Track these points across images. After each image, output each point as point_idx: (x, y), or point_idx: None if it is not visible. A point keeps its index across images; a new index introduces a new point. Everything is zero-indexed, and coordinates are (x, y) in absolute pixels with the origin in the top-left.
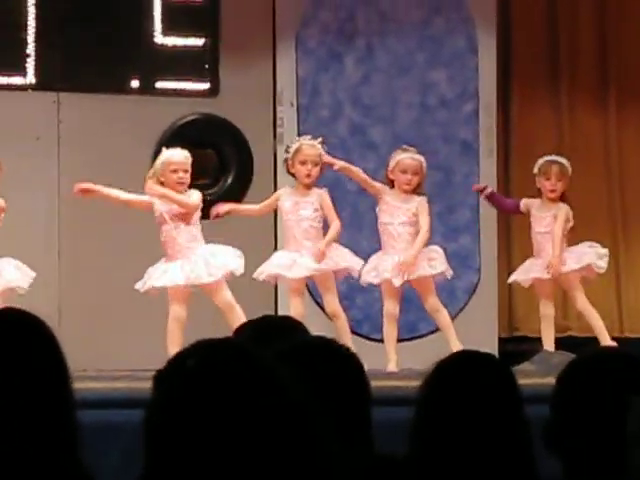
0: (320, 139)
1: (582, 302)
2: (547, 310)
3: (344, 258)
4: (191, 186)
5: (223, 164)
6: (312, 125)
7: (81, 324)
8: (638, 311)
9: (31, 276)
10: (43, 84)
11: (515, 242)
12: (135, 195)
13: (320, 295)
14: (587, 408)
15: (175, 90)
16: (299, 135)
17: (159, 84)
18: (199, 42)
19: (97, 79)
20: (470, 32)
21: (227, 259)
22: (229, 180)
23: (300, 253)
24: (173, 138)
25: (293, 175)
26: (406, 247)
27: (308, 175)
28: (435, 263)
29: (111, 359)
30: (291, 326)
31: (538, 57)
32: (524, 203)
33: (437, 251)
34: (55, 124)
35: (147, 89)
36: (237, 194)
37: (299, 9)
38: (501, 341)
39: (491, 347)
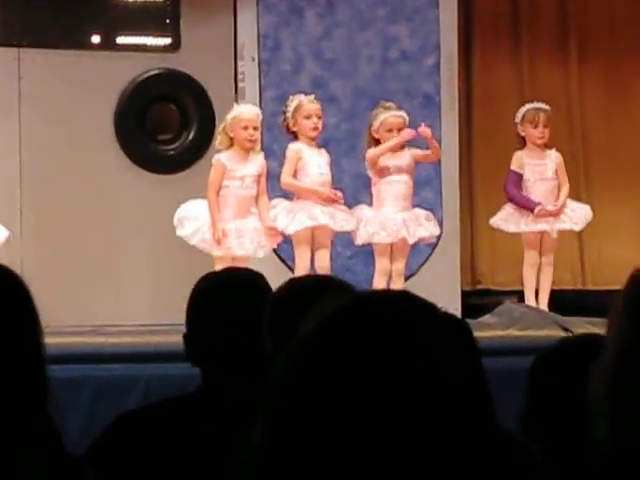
0: (313, 96)
1: (552, 258)
2: (535, 258)
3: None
4: (153, 141)
5: (185, 119)
6: (273, 80)
7: (43, 280)
8: (600, 264)
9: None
10: (3, 40)
11: (477, 195)
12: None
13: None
14: (560, 397)
15: (136, 45)
16: (260, 90)
17: (120, 39)
18: None
19: (58, 35)
20: None
21: None
22: (191, 135)
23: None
24: (134, 93)
25: (293, 133)
26: (405, 203)
27: (315, 128)
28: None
29: (74, 315)
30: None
31: (499, 10)
32: (515, 161)
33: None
34: (16, 80)
35: (108, 44)
36: (199, 148)
37: None
38: (464, 294)
39: (454, 300)
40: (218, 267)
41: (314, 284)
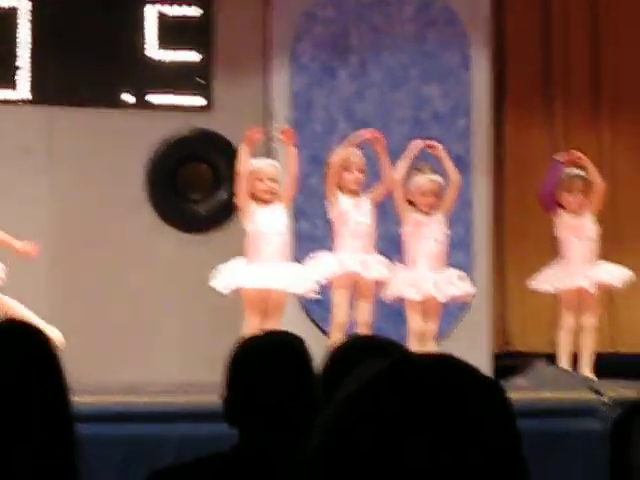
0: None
1: (594, 322)
2: (571, 322)
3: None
4: (185, 200)
5: (217, 178)
6: (305, 140)
7: (73, 339)
8: (631, 327)
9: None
10: (35, 98)
11: (509, 257)
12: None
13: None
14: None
15: (168, 105)
16: None
17: (152, 98)
18: (193, 57)
19: (90, 93)
20: (464, 47)
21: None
22: (223, 194)
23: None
24: (166, 153)
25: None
26: (437, 263)
27: (357, 182)
28: (462, 285)
29: (104, 374)
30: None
31: (532, 73)
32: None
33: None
34: (47, 138)
35: (140, 103)
36: (231, 208)
37: (293, 24)
38: (494, 356)
39: (484, 363)
40: (248, 321)
41: (375, 344)
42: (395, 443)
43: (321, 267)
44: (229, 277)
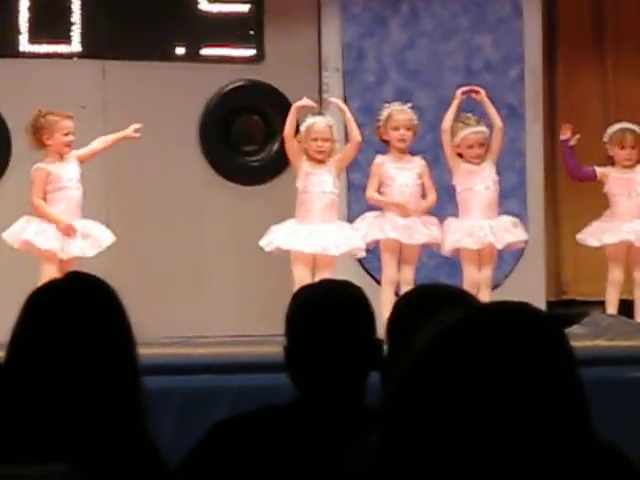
0: (409, 104)
1: None
2: (619, 275)
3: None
4: (238, 153)
5: (269, 130)
6: (357, 90)
7: (129, 292)
8: None
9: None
10: (89, 52)
11: (563, 205)
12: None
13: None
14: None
15: (220, 57)
16: (345, 101)
17: (204, 51)
18: (244, 8)
19: (142, 47)
20: None
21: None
22: (275, 146)
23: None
24: (219, 105)
25: (386, 142)
26: (491, 211)
27: (402, 140)
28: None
29: (160, 326)
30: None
31: (583, 20)
32: (599, 171)
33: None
34: (101, 92)
35: (192, 56)
36: (284, 160)
37: None
38: (549, 305)
39: None
40: (297, 277)
41: (440, 293)
42: (469, 392)
43: (367, 232)
44: (276, 238)
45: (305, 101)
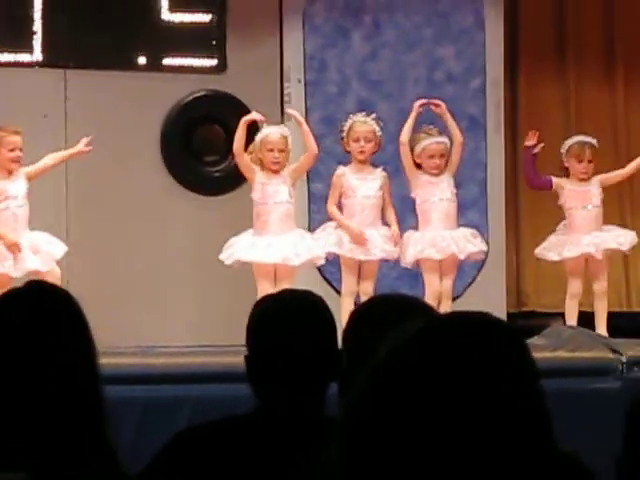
0: (373, 115)
1: (605, 285)
2: (577, 288)
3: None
4: (199, 162)
5: (231, 140)
6: (319, 101)
7: (89, 300)
8: None
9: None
10: (50, 61)
11: (523, 217)
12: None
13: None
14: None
15: (182, 67)
16: (306, 112)
17: (166, 60)
18: (206, 18)
19: (104, 56)
20: (477, 7)
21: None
22: None
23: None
24: (181, 115)
25: (349, 153)
26: (451, 223)
27: (361, 152)
28: (477, 242)
29: (119, 335)
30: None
31: (545, 33)
32: (555, 182)
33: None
34: (62, 101)
35: (154, 65)
36: None
37: None
38: (509, 316)
39: None
40: (260, 287)
41: (397, 303)
42: (430, 403)
43: (326, 242)
44: (236, 250)
45: (254, 115)
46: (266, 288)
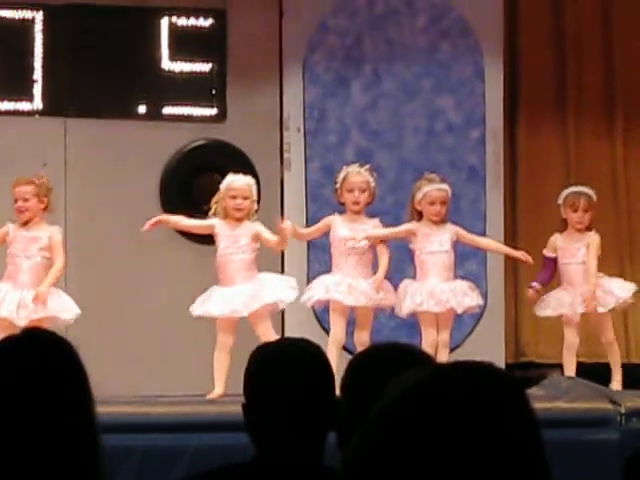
0: (367, 165)
1: (611, 336)
2: (573, 339)
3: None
4: (199, 211)
5: None
6: (319, 151)
7: (88, 350)
8: None
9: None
10: (50, 109)
11: (522, 268)
12: (198, 221)
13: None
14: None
15: (182, 116)
16: (305, 161)
17: (166, 109)
18: (206, 68)
19: (104, 104)
20: (477, 58)
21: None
22: None
23: (354, 280)
24: (180, 164)
25: (343, 204)
26: (449, 274)
27: (355, 202)
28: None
29: (119, 385)
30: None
31: (545, 84)
32: (549, 245)
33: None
34: (62, 150)
35: (154, 114)
36: None
37: (305, 35)
38: (508, 366)
39: None
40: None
41: (396, 352)
42: (432, 452)
43: (310, 292)
44: (198, 304)
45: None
46: (223, 339)
